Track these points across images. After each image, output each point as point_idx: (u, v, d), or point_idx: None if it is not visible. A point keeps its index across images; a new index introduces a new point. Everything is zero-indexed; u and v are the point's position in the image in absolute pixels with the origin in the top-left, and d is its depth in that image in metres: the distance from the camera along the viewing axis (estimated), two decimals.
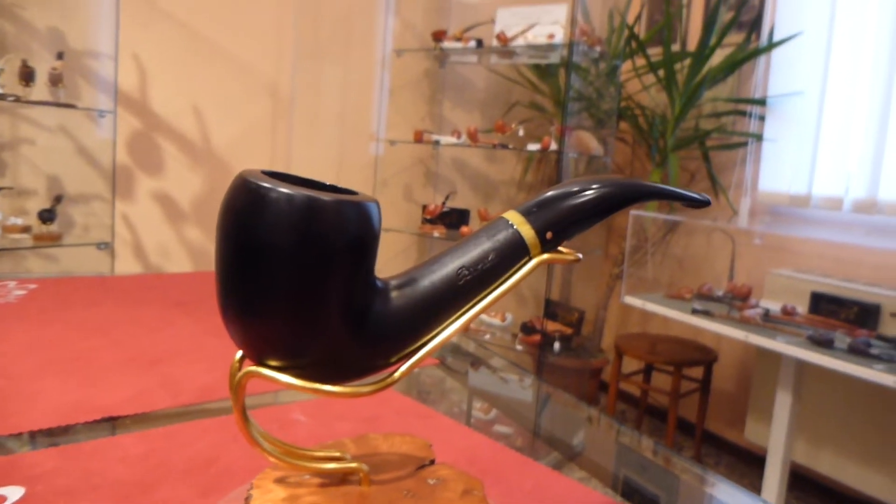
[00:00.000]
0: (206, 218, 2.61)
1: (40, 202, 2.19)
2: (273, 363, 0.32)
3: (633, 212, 2.79)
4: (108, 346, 0.85)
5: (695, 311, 2.20)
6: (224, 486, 0.53)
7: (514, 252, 0.33)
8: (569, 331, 3.05)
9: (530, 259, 0.33)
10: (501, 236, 0.33)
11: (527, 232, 0.33)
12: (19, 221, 2.09)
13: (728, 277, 2.73)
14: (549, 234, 0.33)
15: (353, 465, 0.37)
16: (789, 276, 2.41)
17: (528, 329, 2.95)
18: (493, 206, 3.21)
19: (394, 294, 0.32)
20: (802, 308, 2.20)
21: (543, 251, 0.33)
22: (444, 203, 2.87)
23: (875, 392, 1.66)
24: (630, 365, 3.15)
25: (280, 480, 0.38)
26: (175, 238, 2.54)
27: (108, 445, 0.59)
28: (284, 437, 0.42)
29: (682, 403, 2.76)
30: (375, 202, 0.31)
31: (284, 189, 0.27)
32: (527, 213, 0.33)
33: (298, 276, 0.28)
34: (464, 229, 2.78)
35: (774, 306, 2.29)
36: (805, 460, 2.41)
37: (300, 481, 0.38)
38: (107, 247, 2.26)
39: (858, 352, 1.80)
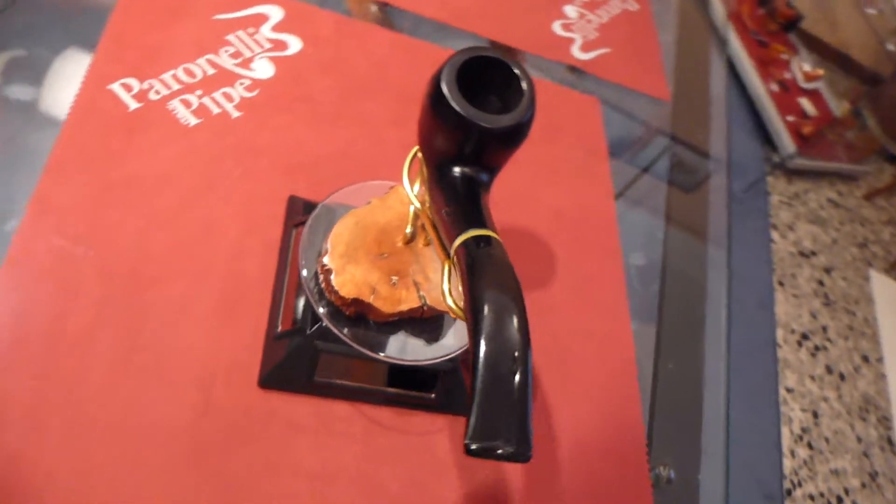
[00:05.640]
0: None
1: None
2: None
3: None
4: None
5: None
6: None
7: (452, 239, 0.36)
8: None
9: (447, 258, 0.36)
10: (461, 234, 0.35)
11: (457, 249, 0.34)
12: None
13: None
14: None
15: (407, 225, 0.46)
16: None
17: None
18: None
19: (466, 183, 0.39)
20: None
21: (449, 262, 0.36)
22: None
23: None
24: None
25: (396, 195, 0.49)
26: None
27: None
28: None
29: None
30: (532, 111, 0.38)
31: (459, 109, 0.36)
32: (469, 246, 0.35)
33: (444, 143, 0.39)
34: None
35: None
36: None
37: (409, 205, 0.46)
38: None
39: None
